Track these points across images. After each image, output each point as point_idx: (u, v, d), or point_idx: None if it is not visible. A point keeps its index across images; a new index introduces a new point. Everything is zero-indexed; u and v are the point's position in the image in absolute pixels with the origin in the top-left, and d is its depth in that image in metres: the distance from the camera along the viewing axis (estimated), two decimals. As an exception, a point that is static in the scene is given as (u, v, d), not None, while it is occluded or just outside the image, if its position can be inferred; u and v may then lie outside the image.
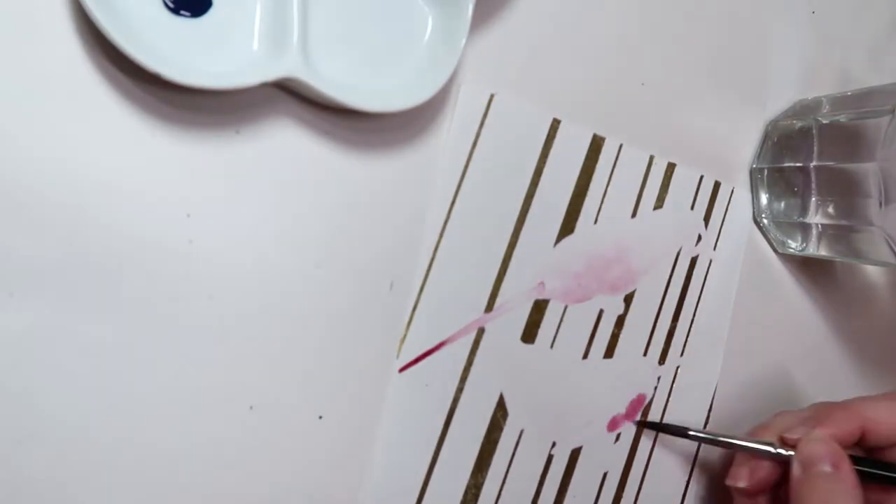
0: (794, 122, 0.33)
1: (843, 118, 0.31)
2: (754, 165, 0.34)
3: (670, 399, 0.32)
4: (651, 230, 0.31)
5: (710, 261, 0.33)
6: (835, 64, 0.36)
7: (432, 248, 0.26)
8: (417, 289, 0.26)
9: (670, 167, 0.31)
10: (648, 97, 0.31)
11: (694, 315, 0.33)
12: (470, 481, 0.27)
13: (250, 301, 0.23)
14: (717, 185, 0.33)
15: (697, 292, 0.33)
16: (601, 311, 0.30)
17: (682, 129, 0.32)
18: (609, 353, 0.30)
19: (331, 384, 0.25)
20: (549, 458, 0.29)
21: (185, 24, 0.22)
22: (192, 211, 0.22)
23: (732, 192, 0.34)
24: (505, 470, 0.28)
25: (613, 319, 0.30)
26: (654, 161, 0.31)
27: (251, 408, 0.23)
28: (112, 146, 0.21)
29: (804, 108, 0.34)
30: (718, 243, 0.33)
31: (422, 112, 0.26)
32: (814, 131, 0.32)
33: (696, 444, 0.33)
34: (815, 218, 0.32)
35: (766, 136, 0.34)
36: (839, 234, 0.31)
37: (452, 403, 0.27)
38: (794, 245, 0.34)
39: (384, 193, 0.25)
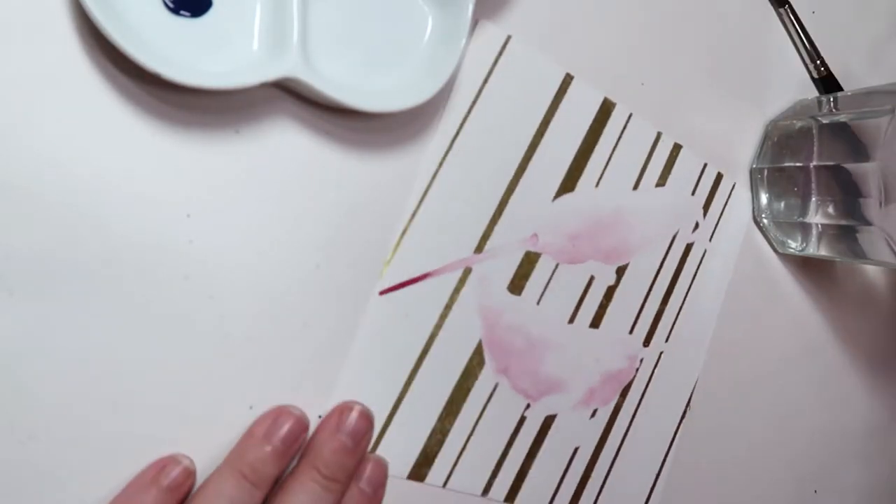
0: (794, 122, 0.33)
1: (842, 118, 0.31)
2: (754, 165, 0.34)
3: (650, 384, 0.31)
4: (651, 206, 0.31)
5: (705, 251, 0.33)
6: (835, 64, 0.35)
7: (428, 179, 0.26)
8: (408, 215, 0.25)
9: (676, 147, 0.31)
10: (649, 97, 0.31)
11: (683, 302, 0.32)
12: (436, 425, 0.26)
13: (250, 301, 0.23)
14: (719, 177, 0.33)
15: (689, 280, 0.32)
16: (592, 278, 0.29)
17: (683, 128, 0.32)
18: (596, 322, 0.29)
19: (325, 385, 0.24)
20: (522, 420, 0.28)
21: (185, 24, 0.21)
22: (192, 211, 0.22)
23: (733, 187, 0.33)
24: (474, 422, 0.27)
25: (603, 289, 0.30)
26: (661, 138, 0.31)
27: (251, 408, 0.23)
28: (112, 146, 0.21)
29: (804, 108, 0.34)
30: (715, 235, 0.33)
31: (422, 112, 0.25)
32: (814, 131, 0.32)
33: (671, 432, 0.32)
34: (815, 218, 0.32)
35: (766, 136, 0.34)
36: (839, 234, 0.31)
37: (429, 340, 0.26)
38: (794, 245, 0.34)
39: (384, 193, 0.25)
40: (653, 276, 0.31)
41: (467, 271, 0.26)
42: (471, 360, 0.27)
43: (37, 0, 0.20)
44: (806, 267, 0.36)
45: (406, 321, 0.25)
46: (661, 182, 0.31)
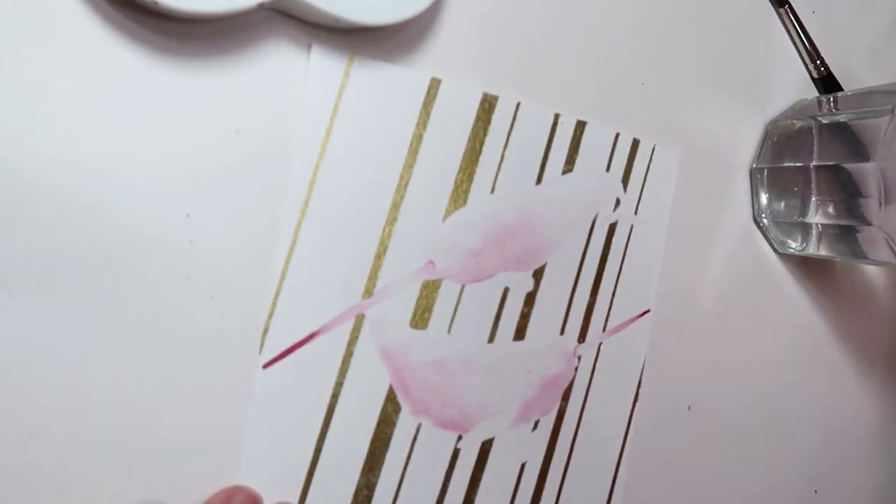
0: (794, 121, 0.32)
1: (842, 118, 0.30)
2: (754, 165, 0.33)
3: (593, 380, 0.29)
4: (560, 196, 0.28)
5: (632, 226, 0.30)
6: (835, 64, 0.35)
7: (293, 229, 0.24)
8: (278, 272, 0.23)
9: (580, 125, 0.29)
10: (649, 97, 0.30)
11: (616, 286, 0.30)
12: (361, 481, 0.25)
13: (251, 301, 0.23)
14: (635, 143, 0.30)
15: (619, 261, 0.30)
16: (507, 290, 0.27)
17: (683, 128, 0.32)
18: (519, 334, 0.28)
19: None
20: (456, 453, 0.27)
21: None
22: (192, 212, 0.22)
23: (654, 149, 0.31)
24: (402, 468, 0.26)
25: (522, 297, 0.28)
26: (561, 120, 0.28)
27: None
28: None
29: (804, 108, 0.33)
30: (640, 206, 0.30)
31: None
32: (814, 131, 0.31)
33: (623, 425, 0.30)
34: (815, 218, 0.31)
35: (766, 136, 0.34)
36: (839, 234, 0.31)
37: (332, 399, 0.24)
38: (794, 245, 0.33)
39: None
40: (576, 269, 0.29)
41: (360, 318, 0.25)
42: (384, 408, 0.25)
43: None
44: (806, 267, 0.35)
45: (300, 387, 0.24)
46: (569, 167, 0.28)
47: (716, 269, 0.33)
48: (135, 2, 0.20)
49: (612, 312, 0.30)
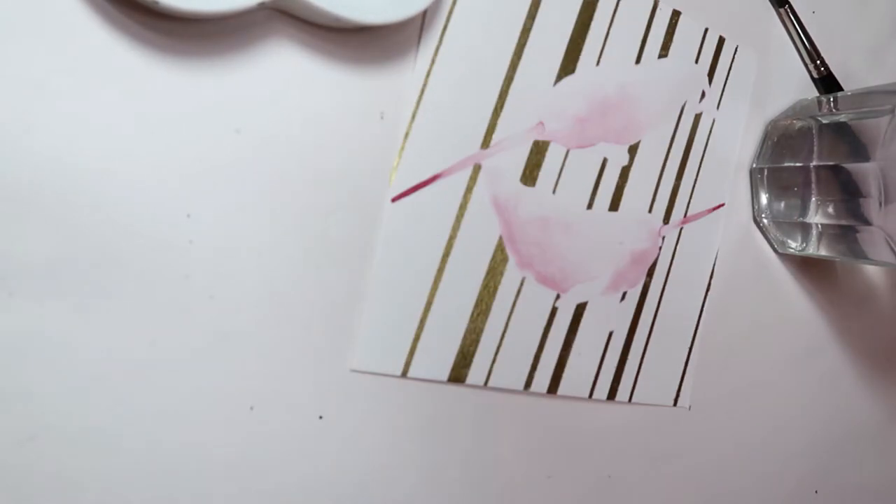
0: (794, 121, 0.32)
1: (842, 118, 0.30)
2: (754, 165, 0.33)
3: (674, 261, 0.31)
4: (656, 79, 0.30)
5: (714, 120, 0.32)
6: (835, 64, 0.35)
7: (422, 78, 0.25)
8: (408, 117, 0.24)
9: (675, 14, 0.30)
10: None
11: (697, 175, 0.31)
12: (469, 325, 0.26)
13: (251, 301, 0.23)
14: (721, 41, 0.32)
15: (701, 152, 0.31)
16: (605, 160, 0.29)
17: None
18: (614, 205, 0.29)
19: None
20: (554, 311, 0.28)
21: None
22: (192, 212, 0.22)
23: (736, 49, 0.32)
24: (506, 318, 0.27)
25: (618, 170, 0.29)
26: (659, 5, 0.30)
27: (251, 408, 0.23)
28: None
29: (804, 108, 0.33)
30: (722, 102, 0.32)
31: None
32: (814, 131, 0.31)
33: (697, 311, 0.31)
34: (815, 218, 0.31)
35: (766, 136, 0.33)
36: (839, 234, 0.31)
37: (449, 241, 0.25)
38: (794, 245, 0.33)
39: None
40: (665, 151, 0.30)
41: (477, 168, 0.26)
42: (493, 257, 0.26)
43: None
44: (806, 267, 0.35)
45: (423, 224, 0.25)
46: (664, 52, 0.30)
47: (716, 269, 0.33)
48: (135, 1, 0.20)
49: (692, 200, 0.31)
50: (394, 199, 0.24)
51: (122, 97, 0.21)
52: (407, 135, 0.24)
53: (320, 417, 0.24)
